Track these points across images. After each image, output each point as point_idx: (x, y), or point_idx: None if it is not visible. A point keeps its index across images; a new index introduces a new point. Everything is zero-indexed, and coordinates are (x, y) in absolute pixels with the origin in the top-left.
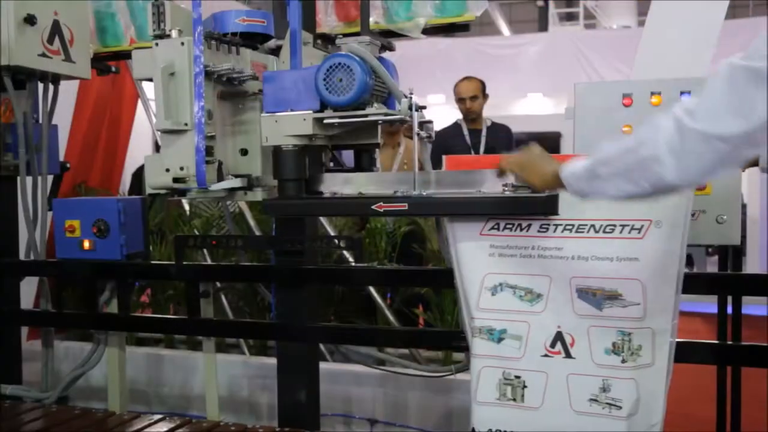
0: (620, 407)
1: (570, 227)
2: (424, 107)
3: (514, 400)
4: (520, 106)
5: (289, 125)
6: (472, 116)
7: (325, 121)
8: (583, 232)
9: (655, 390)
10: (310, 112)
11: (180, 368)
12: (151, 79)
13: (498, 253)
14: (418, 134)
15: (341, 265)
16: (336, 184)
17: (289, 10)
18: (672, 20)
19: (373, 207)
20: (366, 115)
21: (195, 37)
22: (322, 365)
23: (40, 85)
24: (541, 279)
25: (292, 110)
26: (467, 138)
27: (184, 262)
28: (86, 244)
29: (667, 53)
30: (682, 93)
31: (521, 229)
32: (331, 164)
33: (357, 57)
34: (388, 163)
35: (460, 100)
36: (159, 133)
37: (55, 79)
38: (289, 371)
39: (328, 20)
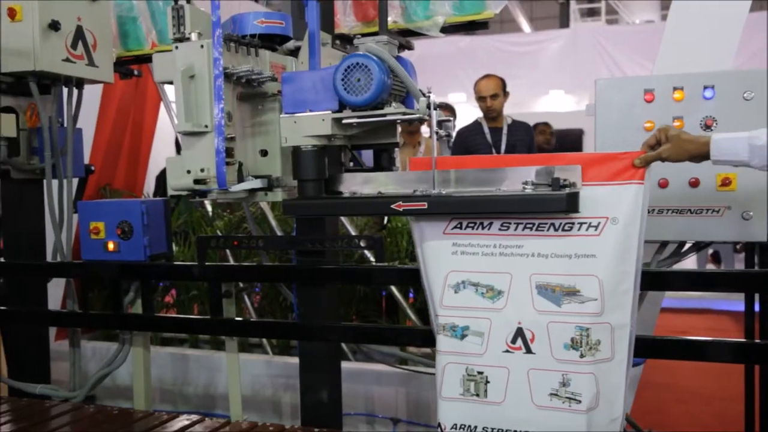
0: (580, 401)
1: (530, 226)
2: (449, 105)
3: (478, 395)
4: (541, 103)
5: (308, 126)
6: (492, 114)
7: (344, 121)
8: (542, 230)
9: (616, 384)
10: (329, 112)
11: (204, 368)
12: (171, 82)
13: (461, 251)
14: (437, 133)
15: (362, 264)
16: (355, 184)
17: (307, 11)
18: (695, 13)
19: (392, 206)
20: (384, 115)
21: (214, 39)
22: (345, 365)
23: (65, 90)
24: (502, 276)
25: (310, 111)
26: (488, 136)
27: (207, 263)
28: (111, 246)
29: (690, 47)
30: (705, 87)
31: (483, 228)
32: (351, 164)
33: (375, 56)
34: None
35: (480, 99)
36: (180, 135)
37: (79, 83)
38: (312, 371)
39: (346, 20)
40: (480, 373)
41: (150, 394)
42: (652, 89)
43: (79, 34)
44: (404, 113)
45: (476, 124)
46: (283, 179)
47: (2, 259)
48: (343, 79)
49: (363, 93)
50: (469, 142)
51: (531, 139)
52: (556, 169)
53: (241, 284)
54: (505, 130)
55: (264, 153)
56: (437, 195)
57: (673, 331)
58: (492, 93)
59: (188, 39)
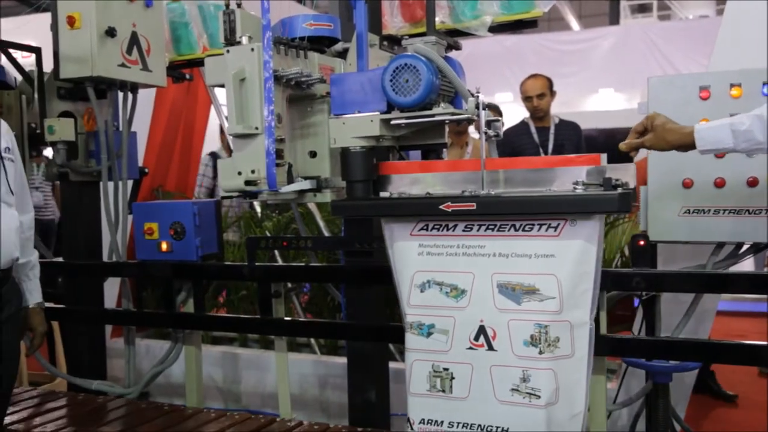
0: (539, 396)
1: (492, 226)
2: (496, 105)
3: (443, 391)
4: (590, 102)
5: (357, 127)
6: (539, 114)
7: (392, 122)
8: (504, 230)
9: (576, 380)
10: (378, 113)
11: (253, 366)
12: (223, 85)
13: (426, 252)
14: (486, 133)
15: None
16: (404, 185)
17: (355, 13)
18: (753, 7)
19: (441, 207)
20: (433, 115)
21: (264, 42)
22: (392, 365)
23: (120, 94)
24: (465, 276)
25: (359, 112)
26: (535, 136)
27: (256, 263)
28: (164, 246)
29: (747, 43)
30: (764, 84)
31: (448, 229)
32: None
33: (423, 57)
34: None
35: (526, 99)
36: (231, 137)
37: (134, 87)
38: (360, 371)
39: (394, 21)
40: (445, 369)
41: (201, 391)
42: (707, 86)
43: (133, 40)
44: (453, 113)
45: (523, 125)
46: (332, 180)
47: (61, 259)
48: (391, 80)
49: (411, 94)
50: (515, 142)
51: (579, 138)
52: (608, 169)
53: (289, 284)
54: (552, 130)
55: (313, 154)
56: (486, 195)
57: (728, 335)
58: (538, 93)
59: (239, 43)
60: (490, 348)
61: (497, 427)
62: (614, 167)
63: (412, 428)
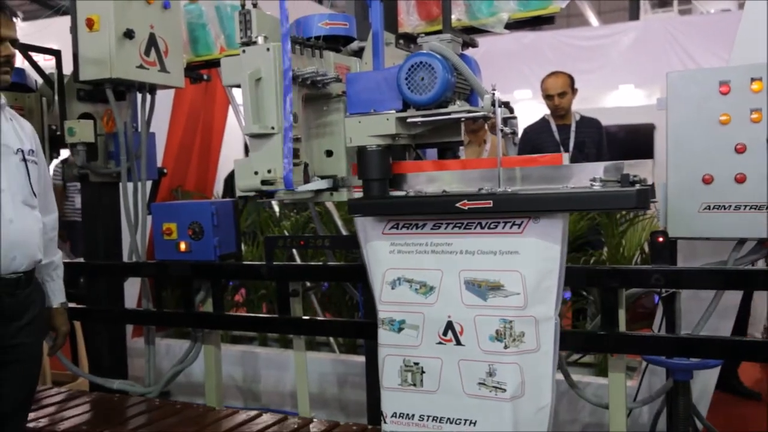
0: (505, 390)
1: (459, 225)
2: (507, 103)
3: (414, 385)
4: (611, 98)
5: (373, 125)
6: (560, 113)
7: (408, 120)
8: (470, 228)
9: (542, 374)
10: (393, 111)
11: (273, 365)
12: (239, 85)
13: (397, 250)
14: (502, 130)
15: None
16: (420, 183)
17: (371, 12)
18: None
19: (457, 205)
20: (448, 113)
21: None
22: None
23: (139, 96)
24: (433, 273)
25: (375, 111)
26: (556, 134)
27: (274, 263)
28: (182, 246)
29: None
30: None
31: (418, 228)
32: None
33: (438, 55)
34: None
35: (547, 97)
36: (247, 137)
37: (152, 89)
38: (378, 369)
39: (410, 20)
40: (416, 364)
41: (221, 390)
42: (728, 81)
43: (151, 42)
44: (468, 111)
45: (543, 122)
46: (348, 179)
47: (82, 260)
48: (407, 79)
49: (427, 92)
50: (536, 140)
51: (600, 135)
52: (625, 165)
53: (308, 283)
54: (573, 127)
55: (329, 153)
56: (503, 193)
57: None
58: (560, 91)
59: (255, 43)
60: (458, 343)
61: (465, 420)
62: (632, 163)
63: (384, 422)
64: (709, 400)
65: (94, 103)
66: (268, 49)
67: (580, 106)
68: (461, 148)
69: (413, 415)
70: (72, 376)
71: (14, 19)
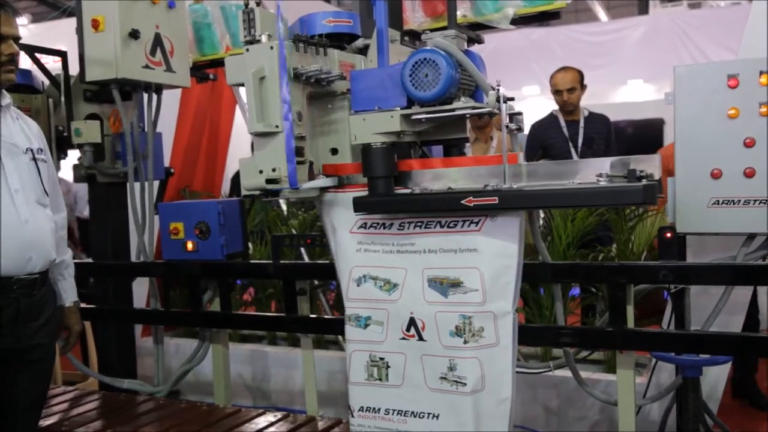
0: (465, 384)
1: (420, 224)
2: (512, 99)
3: (380, 379)
4: (619, 93)
5: (378, 123)
6: (569, 108)
7: (413, 117)
8: (431, 227)
9: (502, 368)
10: (398, 108)
11: (281, 364)
12: (243, 84)
13: (364, 248)
14: (508, 126)
15: None
16: (425, 180)
17: (375, 9)
18: None
19: (462, 202)
20: (453, 110)
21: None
22: None
23: (145, 96)
24: (397, 271)
25: (380, 108)
26: (564, 130)
27: (282, 261)
28: (189, 246)
29: None
30: None
31: (384, 228)
32: None
33: (442, 51)
34: None
35: (556, 92)
36: (252, 135)
37: (158, 88)
38: None
39: (415, 17)
40: (381, 359)
41: (230, 389)
42: (736, 74)
43: (157, 42)
44: (473, 107)
45: (552, 118)
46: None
47: (90, 260)
48: (411, 75)
49: (431, 88)
50: (544, 135)
51: (609, 131)
52: (632, 160)
53: (315, 281)
54: (581, 123)
55: (334, 151)
56: (508, 189)
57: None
58: (569, 86)
59: (258, 41)
60: (420, 338)
61: (429, 414)
62: (639, 158)
63: (352, 416)
64: (720, 397)
65: (101, 103)
66: (271, 48)
67: (588, 101)
68: (467, 144)
69: (379, 409)
70: (82, 375)
71: (17, 18)
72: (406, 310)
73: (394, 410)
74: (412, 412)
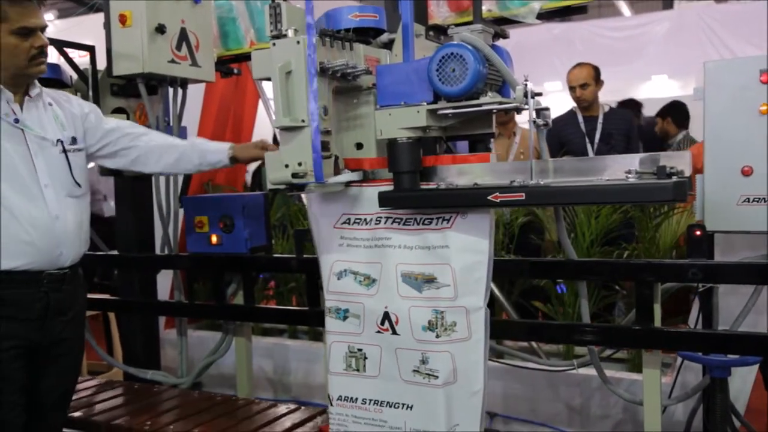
0: (437, 377)
1: (399, 220)
2: (539, 94)
3: (358, 370)
4: (643, 89)
5: (403, 118)
6: (583, 104)
7: (439, 112)
8: (409, 224)
9: (474, 361)
10: (424, 103)
11: (303, 358)
12: (269, 79)
13: (347, 243)
14: (534, 122)
15: None
16: (451, 175)
17: (401, 4)
18: None
19: (488, 197)
20: (480, 105)
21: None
22: None
23: (170, 90)
24: (375, 266)
25: (405, 103)
26: (582, 126)
27: (304, 255)
28: (214, 239)
29: None
30: None
31: (366, 223)
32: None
33: (469, 46)
34: (503, 154)
35: (570, 89)
36: (278, 130)
37: (183, 83)
38: None
39: (440, 12)
40: (359, 350)
41: (251, 382)
42: None
43: (182, 36)
44: (500, 102)
45: (571, 114)
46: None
47: (116, 252)
48: (437, 70)
49: (458, 83)
50: (562, 131)
51: (629, 127)
52: (662, 157)
53: None
54: (600, 119)
55: (360, 146)
56: (535, 185)
57: None
58: (582, 83)
59: (285, 36)
60: (394, 332)
61: (403, 405)
62: (669, 155)
63: (331, 404)
64: (747, 398)
65: (127, 97)
66: (298, 42)
67: (612, 97)
68: (492, 140)
69: (356, 399)
70: (107, 366)
71: (44, 11)
72: (381, 305)
73: (370, 400)
74: (388, 403)
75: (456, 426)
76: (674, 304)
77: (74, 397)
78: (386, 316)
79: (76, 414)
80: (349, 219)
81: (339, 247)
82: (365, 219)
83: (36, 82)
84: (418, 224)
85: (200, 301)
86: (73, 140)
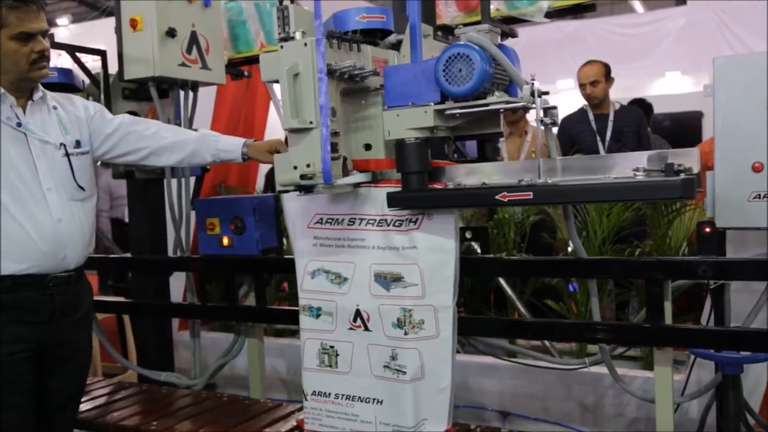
0: (405, 372)
1: (372, 221)
2: (546, 93)
3: (330, 366)
4: (656, 86)
5: (411, 118)
6: (594, 102)
7: (446, 112)
8: (383, 225)
9: (442, 358)
10: (431, 104)
11: None
12: (278, 81)
13: (320, 243)
14: (542, 121)
15: (468, 255)
16: (459, 175)
17: (408, 4)
18: None
19: (497, 197)
20: (487, 104)
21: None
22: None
23: (181, 93)
24: (348, 265)
25: (413, 103)
26: (593, 124)
27: None
28: (225, 241)
29: None
30: None
31: (338, 224)
32: (455, 155)
33: (476, 46)
34: (514, 153)
35: (580, 86)
36: (286, 131)
37: (194, 86)
38: None
39: (448, 12)
40: (332, 347)
41: (264, 383)
42: None
43: (193, 40)
44: (507, 102)
45: (581, 112)
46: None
47: (129, 255)
48: (444, 70)
49: (465, 83)
50: (573, 130)
51: (640, 125)
52: (670, 154)
53: None
54: (611, 117)
55: (368, 147)
56: (543, 184)
57: None
58: (591, 80)
59: (293, 38)
60: (366, 329)
61: (374, 399)
62: (677, 152)
63: (306, 399)
64: (762, 395)
65: (139, 101)
66: (305, 44)
67: (624, 95)
68: (501, 139)
69: (330, 394)
70: (122, 368)
71: (58, 17)
72: (353, 303)
73: (342, 395)
74: (359, 397)
75: (424, 421)
76: (687, 302)
77: (88, 399)
78: (358, 313)
79: (90, 415)
80: (321, 219)
81: (313, 246)
82: (337, 219)
83: (39, 85)
84: (389, 225)
85: (213, 303)
86: (77, 144)
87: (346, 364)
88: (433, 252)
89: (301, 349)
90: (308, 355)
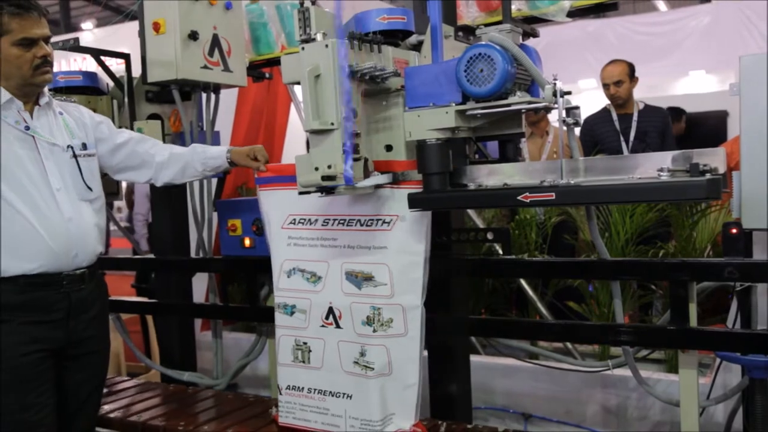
0: (373, 368)
1: (343, 221)
2: (569, 93)
3: (303, 361)
4: (680, 86)
5: (432, 119)
6: (618, 102)
7: (468, 112)
8: (352, 225)
9: (410, 356)
10: (453, 104)
11: None
12: (299, 83)
13: (294, 243)
14: (564, 121)
15: (490, 257)
16: (481, 176)
17: (429, 5)
18: None
19: (518, 198)
20: (509, 105)
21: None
22: (474, 358)
23: (203, 95)
24: (321, 264)
25: (434, 104)
26: (616, 124)
27: None
28: (247, 242)
29: None
30: None
31: (311, 224)
32: (476, 156)
33: (497, 46)
34: (536, 153)
35: (604, 86)
36: (308, 133)
37: (216, 88)
38: (441, 364)
39: (469, 12)
40: (305, 343)
41: None
42: None
43: (215, 42)
44: (529, 102)
45: (605, 112)
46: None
47: (152, 256)
48: (465, 71)
49: (486, 83)
50: (596, 130)
51: (665, 125)
52: (695, 154)
53: None
54: (635, 117)
55: (389, 148)
56: (566, 185)
57: None
58: (615, 80)
59: (314, 40)
60: (338, 326)
61: (344, 394)
62: (702, 152)
63: (280, 393)
64: None
65: (161, 103)
66: (326, 46)
67: (648, 94)
68: (523, 140)
69: (303, 388)
70: (145, 367)
71: (43, 18)
72: (326, 300)
73: (315, 389)
74: (330, 392)
75: (392, 416)
76: (713, 304)
77: (112, 398)
78: (331, 311)
79: (114, 415)
80: (294, 219)
81: (287, 246)
82: (309, 219)
83: (45, 91)
84: (362, 225)
85: (234, 304)
86: (84, 146)
87: (318, 359)
88: (403, 253)
89: (276, 345)
90: (283, 350)
